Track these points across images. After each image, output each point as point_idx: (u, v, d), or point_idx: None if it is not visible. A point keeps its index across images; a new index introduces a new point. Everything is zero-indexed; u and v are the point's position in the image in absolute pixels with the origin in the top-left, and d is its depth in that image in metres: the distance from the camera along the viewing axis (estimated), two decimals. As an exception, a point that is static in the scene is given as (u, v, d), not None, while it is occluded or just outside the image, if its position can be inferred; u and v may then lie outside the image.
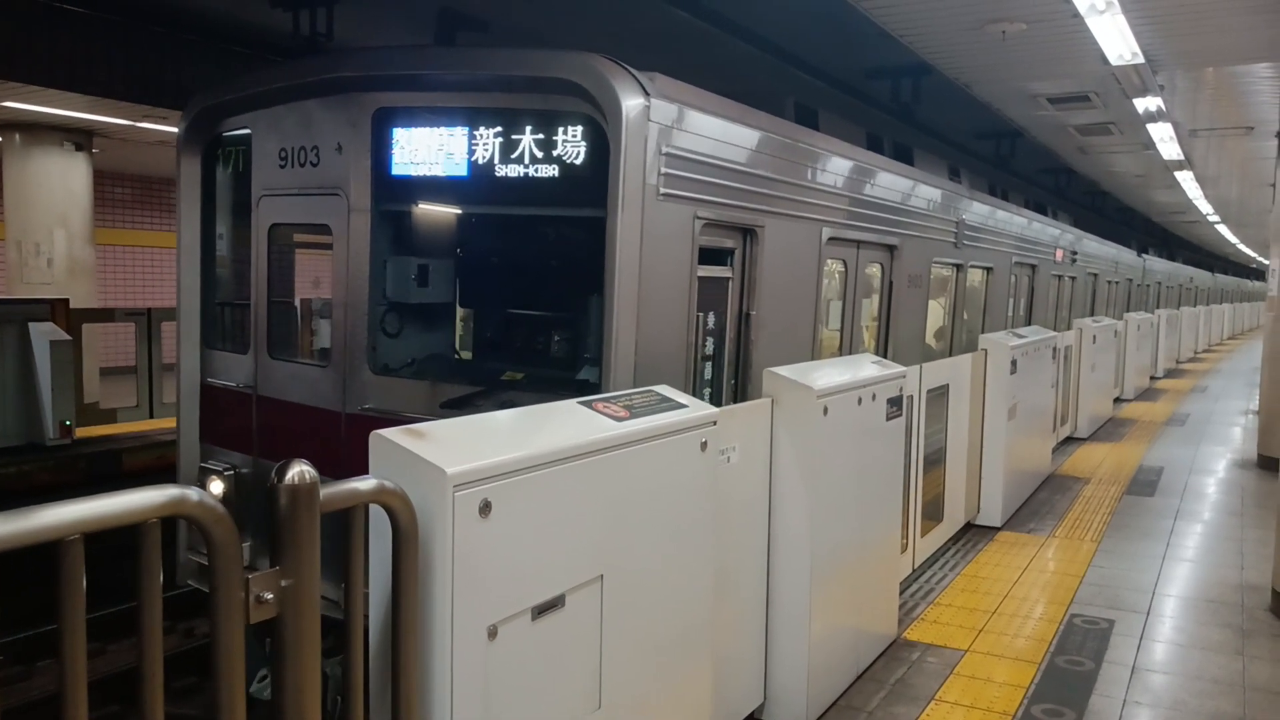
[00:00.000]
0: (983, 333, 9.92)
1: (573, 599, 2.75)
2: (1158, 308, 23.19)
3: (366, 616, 2.31)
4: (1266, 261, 11.11)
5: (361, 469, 2.34)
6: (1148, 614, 5.84)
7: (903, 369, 5.26)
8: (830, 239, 6.32)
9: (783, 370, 4.30)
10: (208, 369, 6.05)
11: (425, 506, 2.30)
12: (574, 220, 4.87)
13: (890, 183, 7.44)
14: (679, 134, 4.63)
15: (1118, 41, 7.60)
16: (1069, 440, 12.15)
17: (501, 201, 4.87)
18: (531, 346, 5.42)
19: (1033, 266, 12.33)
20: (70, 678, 1.68)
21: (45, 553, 1.67)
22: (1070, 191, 18.57)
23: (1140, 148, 13.24)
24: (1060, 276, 14.17)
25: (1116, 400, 15.60)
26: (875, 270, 7.53)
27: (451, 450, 2.40)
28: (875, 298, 7.66)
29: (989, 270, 10.46)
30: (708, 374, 5.25)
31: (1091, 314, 16.28)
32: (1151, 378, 19.43)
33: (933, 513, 6.90)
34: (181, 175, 6.02)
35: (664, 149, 4.49)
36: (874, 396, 4.80)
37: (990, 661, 5.06)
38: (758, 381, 5.16)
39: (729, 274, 5.32)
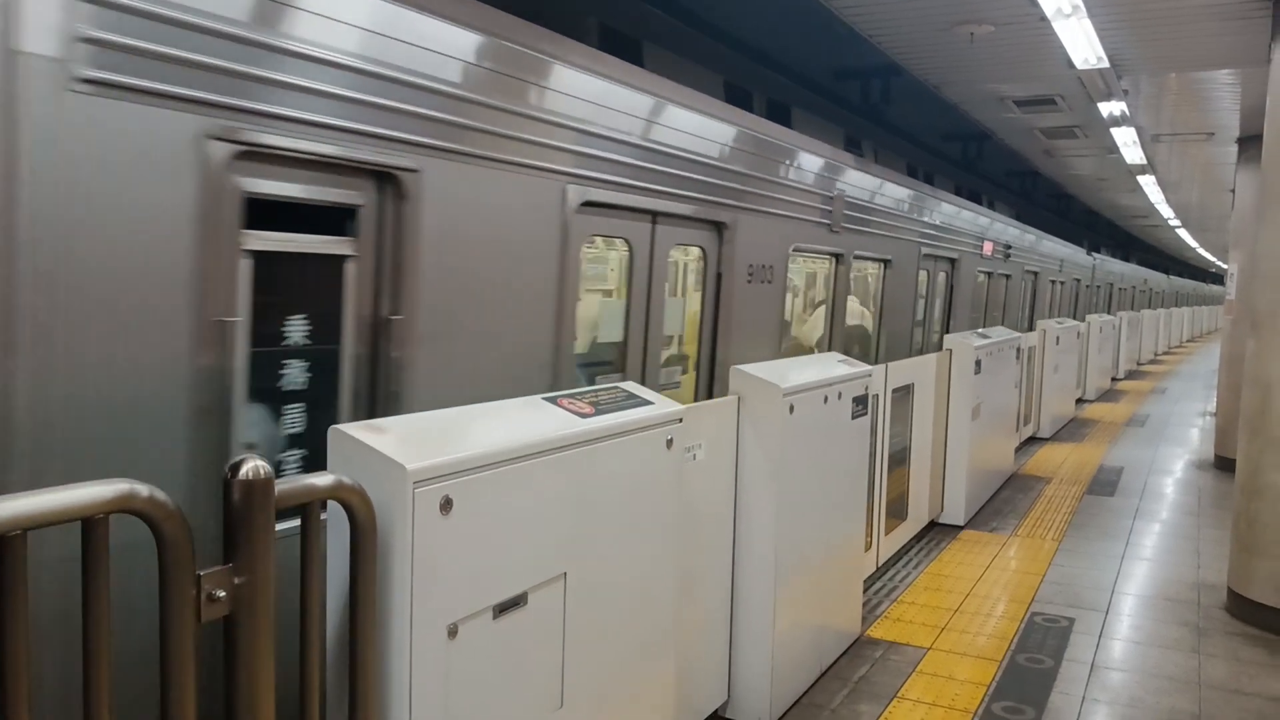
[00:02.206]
0: (878, 343, 8.47)
1: (535, 597, 2.72)
2: (1107, 312, 21.87)
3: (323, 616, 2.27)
4: (1225, 266, 11.28)
5: None
6: (1107, 612, 5.91)
7: (868, 368, 5.28)
8: (587, 204, 4.19)
9: (749, 368, 4.29)
10: None
11: (385, 503, 2.26)
12: None
13: (716, 134, 5.26)
14: None
15: (1084, 45, 7.68)
16: (1032, 440, 12.29)
17: None
18: None
19: (951, 261, 10.25)
20: (12, 681, 1.63)
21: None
22: (1013, 183, 17.89)
23: (1104, 151, 13.42)
24: (990, 274, 12.05)
25: (1078, 401, 15.81)
26: (691, 257, 5.48)
27: (412, 446, 2.36)
28: (694, 295, 5.56)
29: (886, 263, 8.23)
30: (292, 425, 3.13)
31: (1029, 320, 14.43)
32: (1113, 379, 19.71)
33: (897, 511, 6.94)
34: None
35: None
36: (840, 395, 4.81)
37: (952, 659, 5.09)
38: None
39: (348, 249, 3.18)
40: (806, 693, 4.65)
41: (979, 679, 4.86)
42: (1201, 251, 39.56)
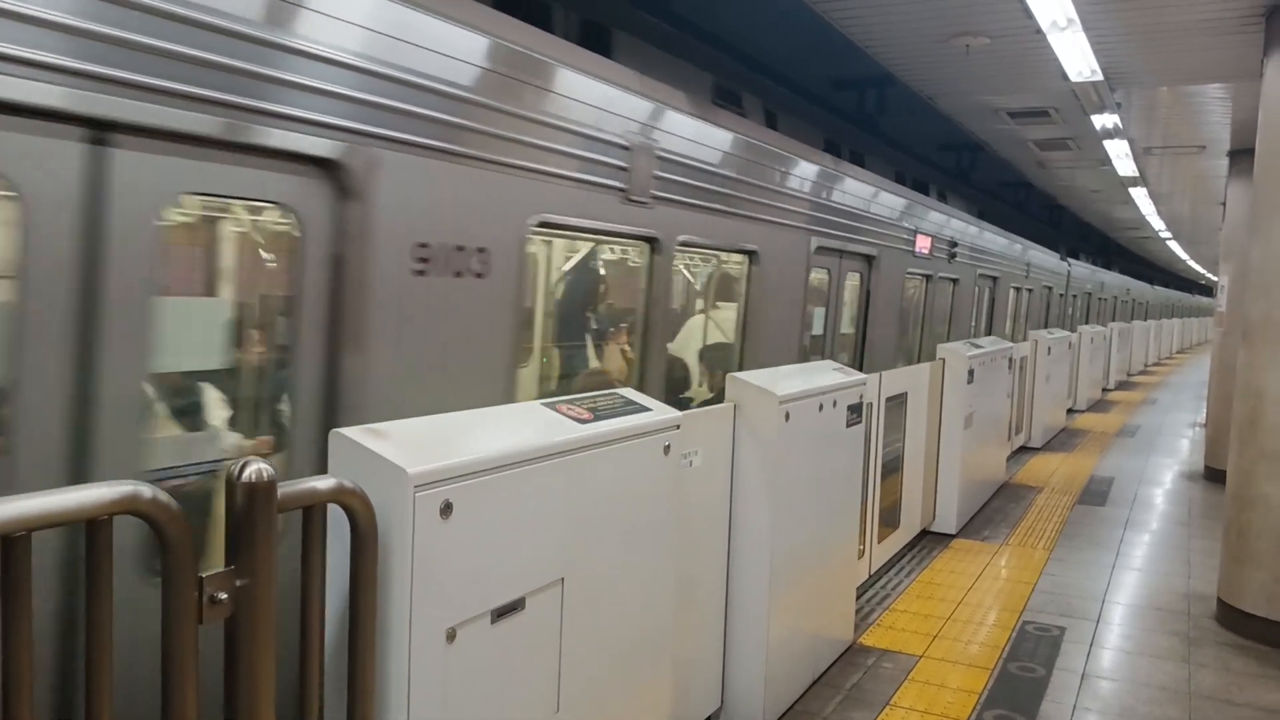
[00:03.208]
0: (740, 370, 5.18)
1: (533, 602, 2.73)
2: (1086, 323, 19.82)
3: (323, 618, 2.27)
4: (1215, 278, 11.33)
5: None
6: (1098, 621, 5.94)
7: (863, 376, 5.30)
8: None
9: (746, 375, 4.31)
10: None
11: (385, 507, 2.26)
12: None
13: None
14: None
15: (1078, 58, 7.73)
16: (1023, 450, 12.33)
17: None
18: None
19: (867, 258, 7.71)
20: (15, 681, 1.63)
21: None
22: (1006, 194, 17.54)
23: (1096, 164, 13.49)
24: (928, 277, 9.54)
25: (1069, 411, 15.87)
26: (261, 232, 3.37)
27: (413, 450, 2.37)
28: (270, 298, 3.34)
29: (750, 257, 5.67)
30: None
31: (987, 331, 12.28)
32: (1103, 389, 19.79)
33: (889, 519, 6.95)
34: None
35: None
36: (835, 403, 4.83)
37: (944, 667, 5.11)
38: None
39: None
40: (799, 700, 4.66)
41: (971, 687, 4.87)
42: (1192, 264, 39.75)
